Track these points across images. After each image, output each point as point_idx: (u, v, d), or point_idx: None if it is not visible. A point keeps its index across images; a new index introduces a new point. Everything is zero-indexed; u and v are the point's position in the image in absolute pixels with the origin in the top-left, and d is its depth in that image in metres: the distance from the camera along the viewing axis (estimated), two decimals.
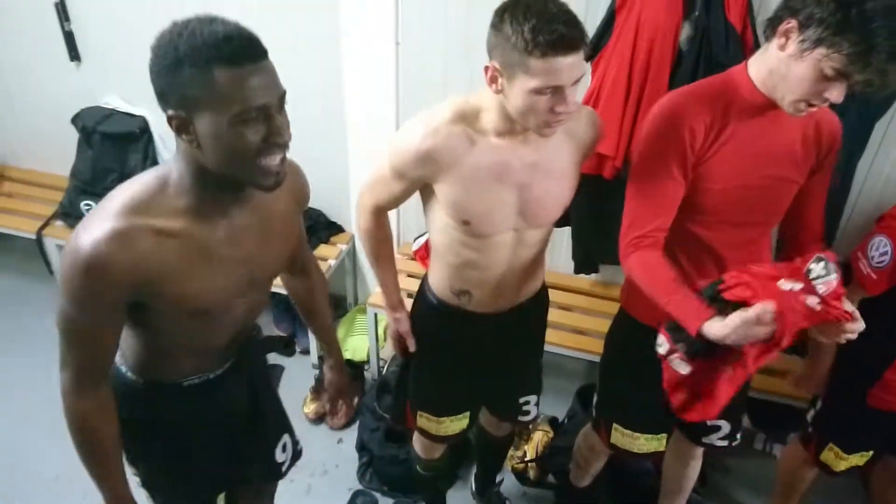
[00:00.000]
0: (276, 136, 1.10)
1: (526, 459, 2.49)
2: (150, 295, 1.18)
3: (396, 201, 1.61)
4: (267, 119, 1.09)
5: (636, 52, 2.08)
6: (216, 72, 1.03)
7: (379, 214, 1.66)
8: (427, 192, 1.56)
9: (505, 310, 1.72)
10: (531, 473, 2.49)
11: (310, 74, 2.62)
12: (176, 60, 1.03)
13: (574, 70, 1.30)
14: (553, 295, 2.70)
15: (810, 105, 1.35)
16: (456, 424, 1.91)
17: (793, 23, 1.30)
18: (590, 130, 1.56)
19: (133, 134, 2.96)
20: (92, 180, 2.98)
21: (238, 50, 1.04)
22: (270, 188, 1.15)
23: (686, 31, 2.06)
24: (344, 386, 1.81)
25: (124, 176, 3.00)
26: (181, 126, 1.08)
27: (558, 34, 1.25)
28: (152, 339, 1.33)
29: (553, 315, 2.62)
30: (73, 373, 1.23)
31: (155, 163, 3.05)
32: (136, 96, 2.98)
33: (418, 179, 1.52)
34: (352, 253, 3.06)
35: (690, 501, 2.28)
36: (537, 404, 1.98)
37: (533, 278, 1.74)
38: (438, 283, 1.72)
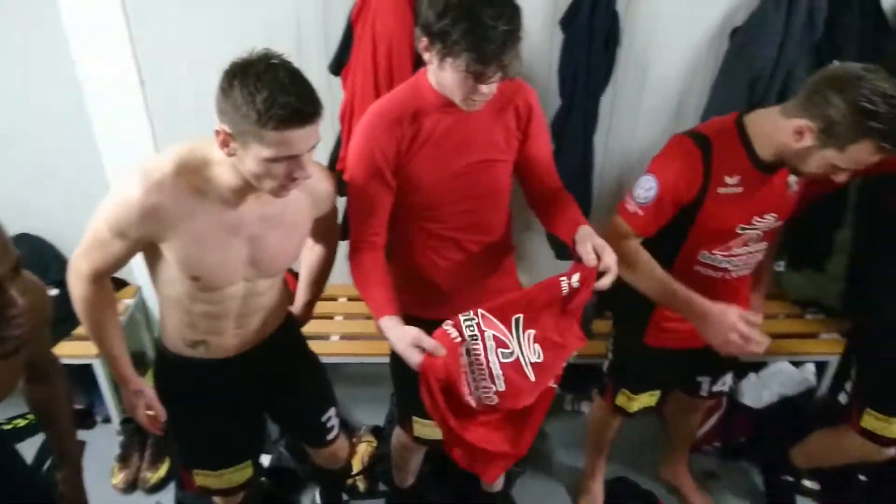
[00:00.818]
0: None
1: (353, 473, 2.49)
2: None
3: (119, 263, 1.47)
4: None
5: (377, 61, 2.16)
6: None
7: (100, 280, 1.50)
8: (150, 249, 1.46)
9: (249, 349, 1.67)
10: (360, 486, 2.49)
11: (55, 126, 2.47)
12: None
13: (310, 138, 1.29)
14: (349, 306, 2.77)
15: (475, 100, 1.48)
16: (239, 475, 1.82)
17: (425, 41, 1.42)
18: (323, 182, 1.57)
19: None
20: None
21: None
22: None
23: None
24: (79, 499, 1.68)
25: None
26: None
27: (291, 108, 1.21)
28: None
29: (355, 326, 2.68)
30: None
31: None
32: None
33: (142, 239, 1.41)
34: (141, 306, 2.90)
35: (510, 472, 2.40)
36: (338, 415, 1.97)
37: (272, 316, 1.70)
38: (171, 336, 1.63)
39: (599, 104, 2.42)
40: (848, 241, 2.60)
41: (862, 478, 2.47)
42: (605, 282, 1.47)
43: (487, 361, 1.46)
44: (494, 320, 1.47)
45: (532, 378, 1.49)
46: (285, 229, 1.52)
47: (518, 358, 1.49)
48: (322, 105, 1.29)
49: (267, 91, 1.20)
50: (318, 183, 1.54)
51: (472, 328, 1.46)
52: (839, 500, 2.51)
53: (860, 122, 1.42)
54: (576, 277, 1.47)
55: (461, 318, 1.46)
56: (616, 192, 2.72)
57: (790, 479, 2.51)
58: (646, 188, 1.69)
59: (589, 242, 1.48)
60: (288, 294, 1.80)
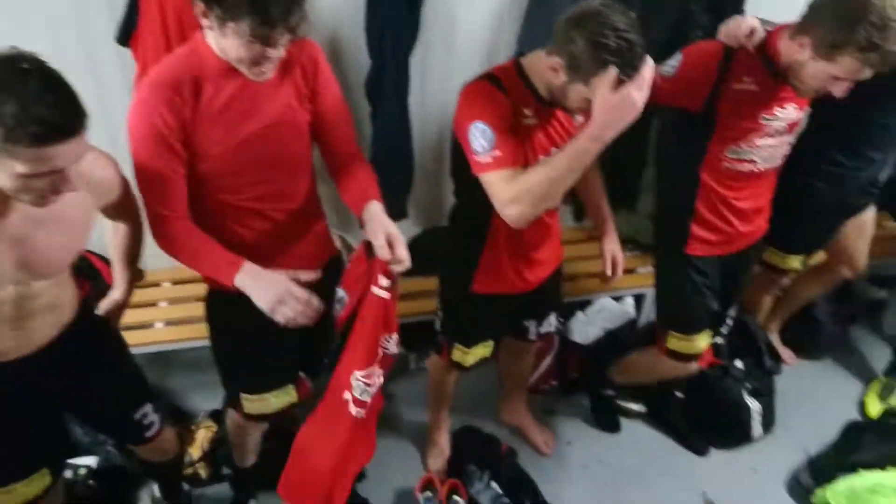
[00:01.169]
0: None
1: (194, 461, 2.40)
2: None
3: None
4: None
5: (168, 29, 2.05)
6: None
7: None
8: None
9: (38, 349, 1.52)
10: (202, 473, 2.41)
11: None
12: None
13: (75, 151, 1.16)
14: (174, 291, 2.65)
15: (263, 70, 1.44)
16: (32, 487, 1.65)
17: (201, 5, 1.36)
18: (104, 171, 1.45)
19: None
20: None
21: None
22: None
23: None
24: None
25: None
26: None
27: (47, 124, 1.08)
28: None
29: (180, 311, 2.56)
30: None
31: None
32: None
33: None
34: None
35: None
36: (156, 410, 1.85)
37: (59, 314, 1.56)
38: None
39: (409, 64, 2.42)
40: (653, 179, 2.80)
41: (679, 395, 2.71)
42: (399, 269, 1.56)
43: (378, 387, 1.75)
44: (371, 368, 1.69)
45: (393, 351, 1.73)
46: (60, 227, 1.38)
47: (387, 354, 1.71)
48: (86, 114, 1.16)
49: (16, 103, 1.06)
50: (98, 172, 1.42)
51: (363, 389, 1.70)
52: (662, 417, 2.76)
53: (596, 55, 1.49)
54: (383, 281, 1.59)
55: (357, 396, 1.70)
56: (438, 152, 2.75)
57: (612, 392, 2.76)
58: (479, 135, 1.62)
59: (382, 233, 1.53)
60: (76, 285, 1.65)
